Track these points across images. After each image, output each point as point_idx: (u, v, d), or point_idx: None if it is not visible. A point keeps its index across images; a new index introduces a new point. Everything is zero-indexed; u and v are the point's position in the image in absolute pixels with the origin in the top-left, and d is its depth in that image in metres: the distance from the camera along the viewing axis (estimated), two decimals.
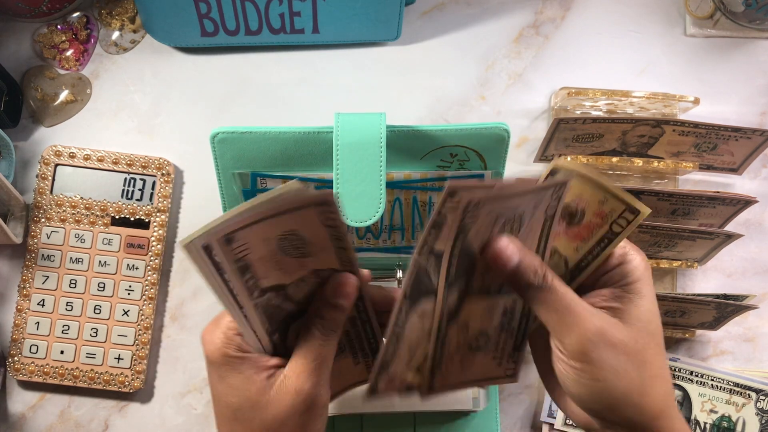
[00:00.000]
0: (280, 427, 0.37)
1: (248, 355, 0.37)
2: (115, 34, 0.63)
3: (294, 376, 0.37)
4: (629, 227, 0.35)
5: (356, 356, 0.43)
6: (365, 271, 0.41)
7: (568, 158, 0.58)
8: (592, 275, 0.38)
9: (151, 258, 0.58)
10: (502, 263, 0.34)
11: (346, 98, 0.62)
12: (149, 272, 0.58)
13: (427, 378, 0.37)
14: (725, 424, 0.57)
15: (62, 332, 0.58)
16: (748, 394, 0.57)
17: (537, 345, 0.41)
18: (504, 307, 0.38)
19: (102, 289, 0.58)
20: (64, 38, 0.62)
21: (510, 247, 0.34)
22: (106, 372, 0.57)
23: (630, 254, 0.37)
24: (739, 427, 0.57)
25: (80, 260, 0.58)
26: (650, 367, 0.35)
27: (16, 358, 0.57)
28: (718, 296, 0.56)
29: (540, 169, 0.61)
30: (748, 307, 0.55)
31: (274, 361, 0.38)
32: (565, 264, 0.38)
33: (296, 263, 0.36)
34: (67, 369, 0.57)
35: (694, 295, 0.56)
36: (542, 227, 0.36)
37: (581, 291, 0.37)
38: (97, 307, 0.58)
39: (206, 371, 0.39)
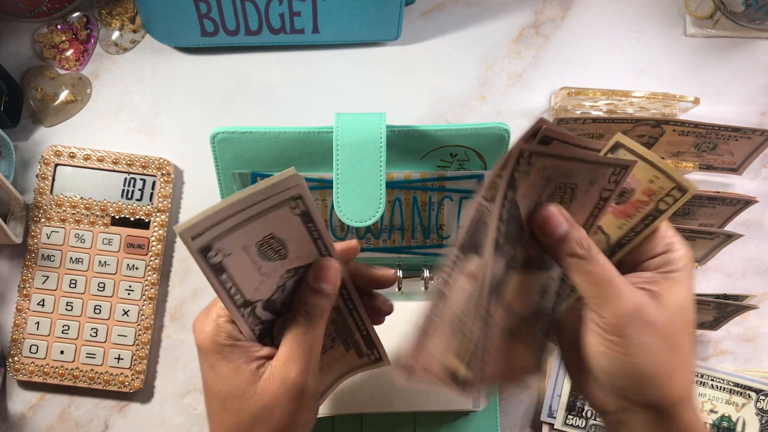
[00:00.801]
0: (268, 417, 0.37)
1: (239, 344, 0.37)
2: (115, 34, 0.63)
3: (280, 364, 0.37)
4: (675, 205, 0.36)
5: (347, 345, 0.43)
6: (352, 242, 0.41)
7: None
8: (636, 257, 0.38)
9: (151, 258, 0.58)
10: (549, 229, 0.35)
11: (346, 98, 0.62)
12: (149, 272, 0.58)
13: (471, 373, 0.36)
14: (725, 424, 0.57)
15: (62, 332, 0.58)
16: (748, 394, 0.57)
17: (564, 324, 0.40)
18: (541, 285, 0.38)
19: (102, 289, 0.58)
20: (64, 38, 0.62)
21: (559, 215, 0.35)
22: (106, 372, 0.57)
23: (677, 244, 0.37)
24: (739, 427, 0.57)
25: (80, 260, 0.58)
26: (680, 352, 0.35)
27: (16, 358, 0.57)
28: (718, 296, 0.56)
29: None
30: (748, 307, 0.55)
31: (265, 351, 0.38)
32: (607, 241, 0.38)
33: (277, 265, 0.36)
34: (67, 369, 0.57)
35: (694, 295, 0.56)
36: (594, 206, 0.36)
37: (622, 271, 0.37)
38: (97, 307, 0.58)
39: (198, 360, 0.39)
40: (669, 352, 0.35)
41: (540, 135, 0.33)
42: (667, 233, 0.37)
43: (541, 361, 0.40)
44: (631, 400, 0.36)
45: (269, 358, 0.38)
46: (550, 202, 0.35)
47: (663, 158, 0.58)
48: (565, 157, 0.33)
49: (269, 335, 0.39)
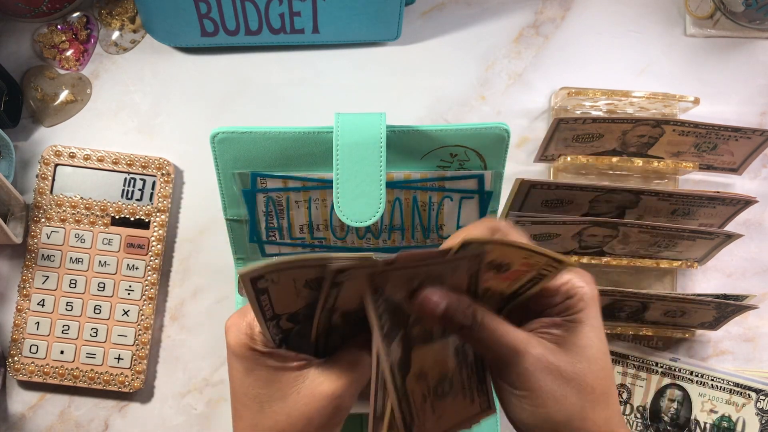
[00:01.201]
0: (306, 426, 0.37)
1: (276, 351, 0.37)
2: (115, 34, 0.63)
3: (333, 378, 0.37)
4: (557, 272, 0.35)
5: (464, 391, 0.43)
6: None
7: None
8: (538, 307, 0.38)
9: (151, 258, 0.58)
10: (429, 311, 0.34)
11: (346, 98, 0.62)
12: (149, 272, 0.58)
13: None
14: (725, 424, 0.57)
15: (62, 332, 0.58)
16: (748, 394, 0.57)
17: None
18: (454, 346, 0.38)
19: (102, 289, 0.58)
20: (64, 38, 0.62)
21: (435, 294, 0.34)
22: (106, 372, 0.57)
23: (575, 287, 0.37)
24: (739, 427, 0.57)
25: (80, 260, 0.58)
26: (591, 393, 0.35)
27: (16, 358, 0.57)
28: (718, 296, 0.56)
29: (540, 169, 0.61)
30: (748, 307, 0.55)
31: (302, 360, 0.38)
32: (501, 295, 0.38)
33: (315, 294, 0.37)
34: (67, 369, 0.57)
35: (694, 295, 0.56)
36: (468, 280, 0.36)
37: (528, 317, 0.37)
38: (97, 307, 0.58)
39: (228, 363, 0.39)
40: (578, 394, 0.35)
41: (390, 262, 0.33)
42: (561, 280, 0.37)
43: (487, 402, 0.40)
44: None
45: (306, 364, 0.38)
46: (422, 286, 0.34)
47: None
48: (409, 266, 0.33)
49: (287, 343, 0.39)
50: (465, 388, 0.39)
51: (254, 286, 0.33)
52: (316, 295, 0.36)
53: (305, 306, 0.37)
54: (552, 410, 0.35)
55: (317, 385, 0.37)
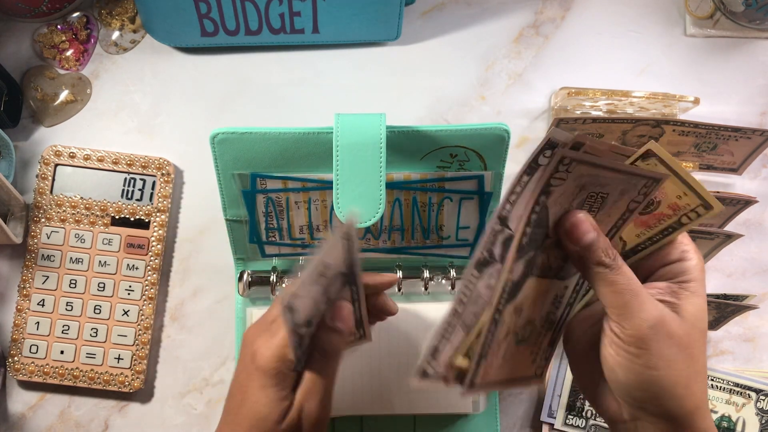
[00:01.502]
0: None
1: (291, 374, 0.40)
2: (115, 34, 0.62)
3: (302, 397, 0.40)
4: (698, 220, 0.36)
5: None
6: (391, 277, 0.46)
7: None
8: (651, 263, 0.38)
9: (151, 258, 0.58)
10: (577, 236, 0.35)
11: (346, 98, 0.62)
12: (149, 272, 0.58)
13: (473, 368, 0.37)
14: (725, 424, 0.57)
15: (62, 332, 0.58)
16: (748, 394, 0.57)
17: (574, 334, 0.41)
18: (555, 294, 0.38)
19: (102, 289, 0.58)
20: (64, 38, 0.62)
21: (587, 222, 0.35)
22: (106, 372, 0.57)
23: (690, 252, 0.37)
24: (739, 427, 0.57)
25: (80, 260, 0.58)
26: (696, 363, 0.36)
27: (16, 358, 0.57)
28: (718, 296, 0.56)
29: None
30: (748, 307, 0.55)
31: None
32: (623, 247, 0.39)
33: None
34: (67, 369, 0.57)
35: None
36: (620, 217, 0.37)
37: (640, 279, 0.38)
38: (97, 307, 0.58)
39: (242, 371, 0.41)
40: (687, 363, 0.35)
41: (575, 144, 0.33)
42: (682, 241, 0.38)
43: (542, 369, 0.41)
44: (646, 411, 0.36)
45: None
46: (579, 209, 0.35)
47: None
48: (604, 166, 0.33)
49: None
50: (537, 344, 0.39)
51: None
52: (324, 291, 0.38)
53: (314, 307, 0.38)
54: (662, 373, 0.35)
55: (298, 407, 0.40)
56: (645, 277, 0.38)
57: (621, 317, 0.35)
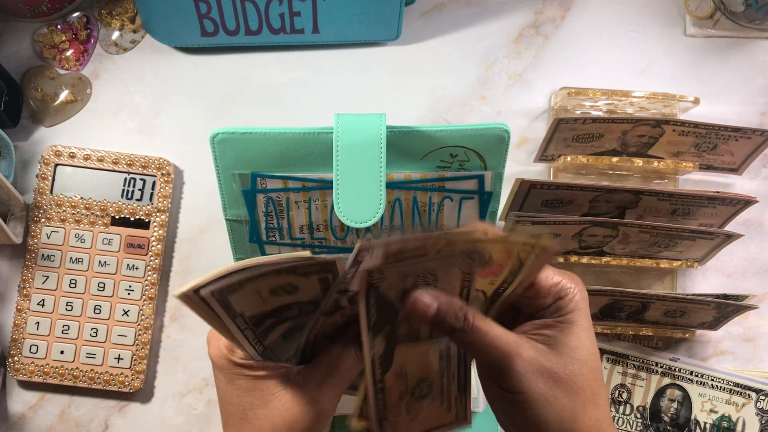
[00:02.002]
0: (288, 430, 0.38)
1: (253, 362, 0.38)
2: (115, 34, 0.62)
3: (314, 386, 0.38)
4: (534, 254, 0.35)
5: (442, 397, 0.42)
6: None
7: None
8: (529, 311, 0.38)
9: (151, 258, 0.58)
10: (421, 312, 0.34)
11: (346, 98, 0.62)
12: (149, 272, 0.58)
13: (376, 429, 0.37)
14: (725, 424, 0.57)
15: (62, 332, 0.58)
16: (748, 394, 0.57)
17: (482, 378, 0.40)
18: (439, 351, 0.38)
19: (102, 289, 0.58)
20: (64, 38, 0.62)
21: (426, 296, 0.34)
22: (106, 372, 0.57)
23: (564, 289, 0.37)
24: (739, 427, 0.57)
25: (80, 260, 0.58)
26: (581, 394, 0.35)
27: (16, 358, 0.57)
28: (718, 296, 0.56)
29: (540, 169, 0.61)
30: (748, 307, 0.55)
31: (282, 368, 0.39)
32: (484, 295, 0.38)
33: (282, 299, 0.37)
34: (67, 369, 0.57)
35: (694, 295, 0.56)
36: (461, 281, 0.36)
37: (518, 321, 0.38)
38: (97, 307, 0.58)
39: (213, 373, 0.40)
40: (569, 396, 0.35)
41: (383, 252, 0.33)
42: (551, 282, 0.37)
43: (464, 412, 0.40)
44: None
45: (285, 372, 0.39)
46: (415, 287, 0.34)
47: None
48: (407, 258, 0.33)
49: (267, 355, 0.40)
50: (443, 395, 0.39)
51: (219, 302, 0.33)
52: (285, 300, 0.37)
53: (275, 309, 0.37)
54: (543, 412, 0.35)
55: (298, 391, 0.38)
56: (526, 320, 0.38)
57: (490, 370, 0.35)
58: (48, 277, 0.58)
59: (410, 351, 0.37)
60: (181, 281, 0.60)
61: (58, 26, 0.62)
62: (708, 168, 0.60)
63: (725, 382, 0.58)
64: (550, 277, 0.37)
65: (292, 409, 0.38)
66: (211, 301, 0.32)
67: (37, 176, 0.58)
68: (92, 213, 0.58)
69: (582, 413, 0.35)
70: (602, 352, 0.59)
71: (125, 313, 0.58)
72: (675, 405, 0.58)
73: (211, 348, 0.39)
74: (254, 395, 0.38)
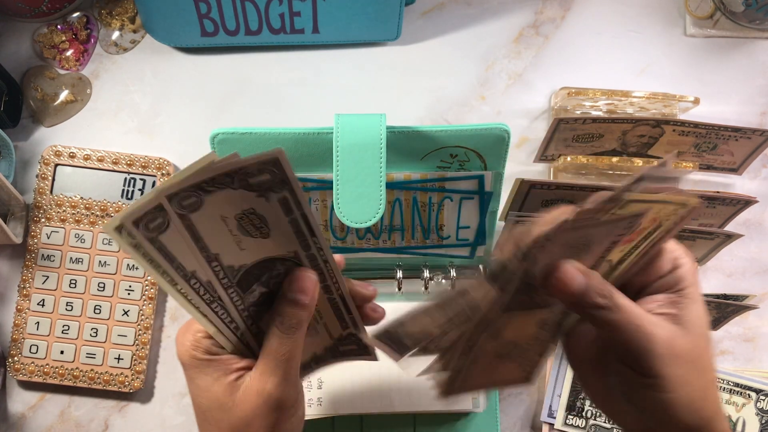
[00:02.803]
0: (246, 428, 0.37)
1: (216, 358, 0.37)
2: (115, 34, 0.62)
3: (257, 376, 0.37)
4: (674, 219, 0.35)
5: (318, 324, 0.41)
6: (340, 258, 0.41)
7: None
8: (645, 278, 0.37)
9: None
10: (566, 288, 0.33)
11: (346, 98, 0.62)
12: None
13: (449, 379, 0.37)
14: None
15: (62, 332, 0.58)
16: (748, 394, 0.57)
17: (575, 353, 0.39)
18: (541, 319, 0.38)
19: (102, 289, 0.58)
20: (64, 38, 0.62)
21: (573, 270, 0.33)
22: (106, 372, 0.57)
23: (681, 258, 0.36)
24: (739, 427, 0.57)
25: (80, 260, 0.58)
26: (709, 372, 0.35)
27: (16, 358, 0.57)
28: (718, 296, 0.56)
29: (540, 169, 0.61)
30: (748, 307, 0.55)
31: (244, 362, 0.38)
32: (610, 264, 0.37)
33: (257, 244, 0.35)
34: (67, 369, 0.57)
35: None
36: (605, 249, 0.35)
37: (631, 293, 0.36)
38: (97, 307, 0.58)
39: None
40: (700, 375, 0.35)
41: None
42: (671, 248, 0.37)
43: (531, 374, 0.40)
44: (665, 427, 0.35)
45: (249, 368, 0.38)
46: (562, 259, 0.33)
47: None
48: (588, 225, 0.32)
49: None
50: (525, 358, 0.39)
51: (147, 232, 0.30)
52: (262, 247, 0.34)
53: (258, 265, 0.35)
54: (677, 395, 0.34)
55: (251, 387, 0.37)
56: (639, 291, 0.37)
57: (630, 352, 0.34)
58: (48, 277, 0.58)
59: (516, 318, 0.36)
60: None
61: (58, 26, 0.62)
62: (708, 168, 0.60)
63: (725, 382, 0.58)
64: (669, 244, 0.36)
65: (246, 407, 0.37)
66: (138, 237, 0.29)
67: (37, 176, 0.58)
68: (92, 213, 0.58)
69: (710, 391, 0.35)
70: None
71: (125, 313, 0.58)
72: None
73: (177, 346, 0.38)
74: (210, 397, 0.37)
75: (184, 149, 0.61)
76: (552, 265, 0.33)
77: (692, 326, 0.35)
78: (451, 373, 0.37)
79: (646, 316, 0.34)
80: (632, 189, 0.31)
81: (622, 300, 0.34)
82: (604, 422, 0.57)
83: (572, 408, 0.58)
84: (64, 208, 0.58)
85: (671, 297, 0.36)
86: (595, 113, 0.60)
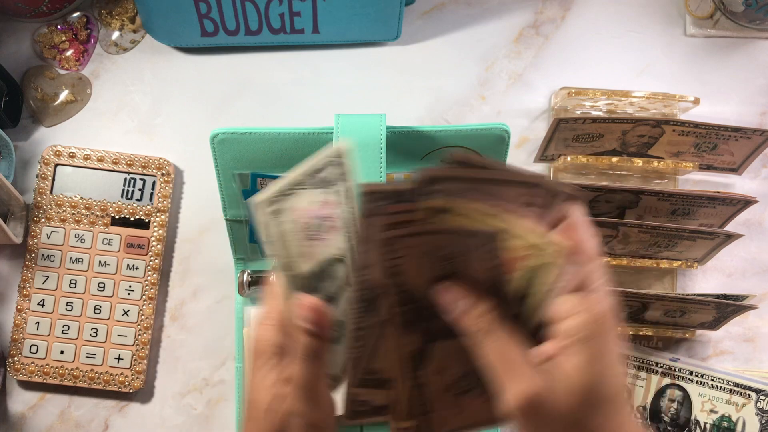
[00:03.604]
0: None
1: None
2: (115, 34, 0.62)
3: (291, 395, 0.35)
4: (548, 263, 0.33)
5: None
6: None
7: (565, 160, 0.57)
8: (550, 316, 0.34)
9: (151, 258, 0.58)
10: (445, 309, 0.33)
11: (346, 98, 0.62)
12: (149, 272, 0.58)
13: (420, 424, 0.36)
14: (725, 424, 0.57)
15: (62, 332, 0.58)
16: (748, 394, 0.57)
17: None
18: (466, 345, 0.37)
19: (102, 289, 0.58)
20: (64, 38, 0.62)
21: (452, 291, 0.32)
22: (106, 372, 0.57)
23: (591, 276, 0.33)
24: (739, 427, 0.57)
25: (80, 260, 0.58)
26: (583, 429, 0.33)
27: (16, 358, 0.57)
28: (718, 296, 0.56)
29: (540, 169, 0.61)
30: (748, 307, 0.55)
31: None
32: (514, 294, 0.36)
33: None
34: (67, 369, 0.57)
35: (694, 295, 0.56)
36: (492, 272, 0.34)
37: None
38: (97, 307, 0.58)
39: (251, 363, 0.37)
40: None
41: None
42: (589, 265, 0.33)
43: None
44: None
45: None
46: (443, 279, 0.33)
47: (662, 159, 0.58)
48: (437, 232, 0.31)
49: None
50: (487, 391, 0.38)
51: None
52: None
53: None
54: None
55: (284, 406, 0.36)
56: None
57: (496, 384, 0.33)
58: (48, 277, 0.58)
59: (448, 346, 0.35)
60: (181, 281, 0.60)
61: (58, 26, 0.62)
62: (708, 168, 0.60)
63: (725, 382, 0.58)
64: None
65: (276, 423, 0.35)
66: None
67: (37, 176, 0.58)
68: (92, 213, 0.58)
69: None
70: None
71: (125, 313, 0.58)
72: (675, 405, 0.58)
73: (260, 329, 0.36)
74: (272, 391, 0.35)
75: (184, 149, 0.61)
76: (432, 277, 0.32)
77: (566, 381, 0.32)
78: (417, 422, 0.36)
79: (520, 358, 0.32)
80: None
81: (499, 332, 0.32)
82: None
83: None
84: (64, 208, 0.58)
85: (555, 343, 0.32)
86: (595, 113, 0.60)
